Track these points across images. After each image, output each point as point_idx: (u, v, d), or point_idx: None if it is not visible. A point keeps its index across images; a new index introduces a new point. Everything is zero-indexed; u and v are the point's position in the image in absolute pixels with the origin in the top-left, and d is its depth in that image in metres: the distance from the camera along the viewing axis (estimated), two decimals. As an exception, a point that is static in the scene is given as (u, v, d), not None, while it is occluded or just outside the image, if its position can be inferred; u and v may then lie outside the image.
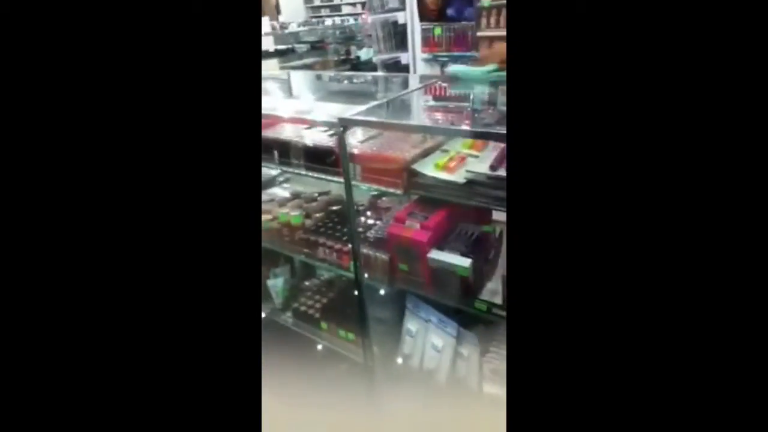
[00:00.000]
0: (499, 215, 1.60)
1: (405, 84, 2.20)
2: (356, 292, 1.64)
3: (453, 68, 1.71)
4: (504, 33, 3.08)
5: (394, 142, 1.60)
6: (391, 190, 1.47)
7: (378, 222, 1.72)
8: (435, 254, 1.39)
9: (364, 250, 1.59)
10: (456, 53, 3.41)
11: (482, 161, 1.36)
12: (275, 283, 1.95)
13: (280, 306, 1.96)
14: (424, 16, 3.44)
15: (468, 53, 3.35)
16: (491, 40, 3.15)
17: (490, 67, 1.58)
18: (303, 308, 1.88)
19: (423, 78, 2.32)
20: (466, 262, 1.35)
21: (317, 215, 1.86)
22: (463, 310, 1.42)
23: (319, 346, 1.89)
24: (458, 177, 1.34)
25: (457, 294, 1.40)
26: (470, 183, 1.30)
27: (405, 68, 3.82)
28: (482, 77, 1.59)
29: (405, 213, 1.47)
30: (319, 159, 1.59)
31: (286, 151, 1.69)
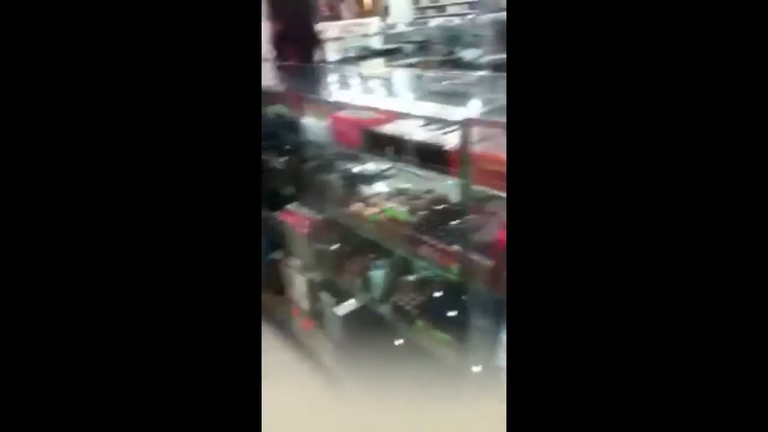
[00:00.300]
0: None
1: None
2: (457, 295, 1.64)
3: None
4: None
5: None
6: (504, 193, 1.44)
7: (484, 226, 1.69)
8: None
9: (468, 254, 1.57)
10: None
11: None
12: (376, 275, 2.01)
13: (378, 298, 2.02)
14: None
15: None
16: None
17: None
18: (401, 303, 1.92)
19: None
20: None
21: (422, 213, 1.89)
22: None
23: (407, 341, 1.92)
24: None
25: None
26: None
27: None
28: None
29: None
30: (431, 156, 1.61)
31: (398, 147, 1.74)
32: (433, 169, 1.62)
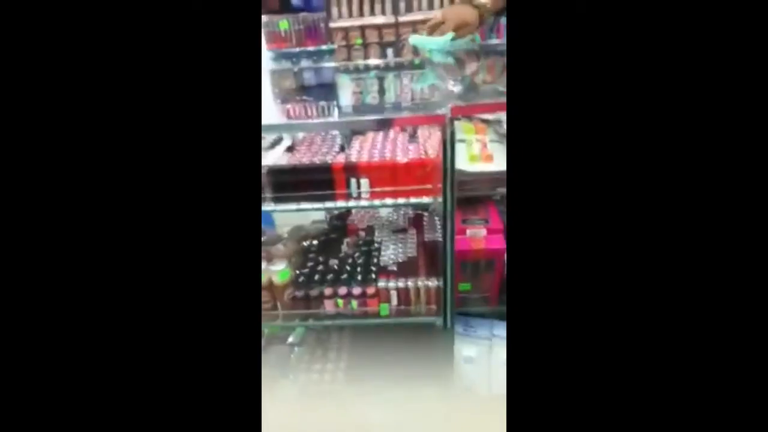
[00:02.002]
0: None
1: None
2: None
3: (411, 40, 1.45)
4: (360, 22, 2.94)
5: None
6: (423, 199, 1.18)
7: (389, 245, 1.37)
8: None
9: (392, 284, 1.25)
10: (310, 48, 3.11)
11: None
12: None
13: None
14: (263, 8, 3.00)
15: (324, 46, 3.09)
16: (347, 30, 2.97)
17: (449, 35, 1.38)
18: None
19: (274, 74, 1.95)
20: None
21: (293, 260, 1.38)
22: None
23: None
24: (502, 166, 1.16)
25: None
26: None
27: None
28: (443, 46, 1.39)
29: (458, 222, 1.20)
30: (311, 183, 1.16)
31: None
32: (312, 199, 1.17)
